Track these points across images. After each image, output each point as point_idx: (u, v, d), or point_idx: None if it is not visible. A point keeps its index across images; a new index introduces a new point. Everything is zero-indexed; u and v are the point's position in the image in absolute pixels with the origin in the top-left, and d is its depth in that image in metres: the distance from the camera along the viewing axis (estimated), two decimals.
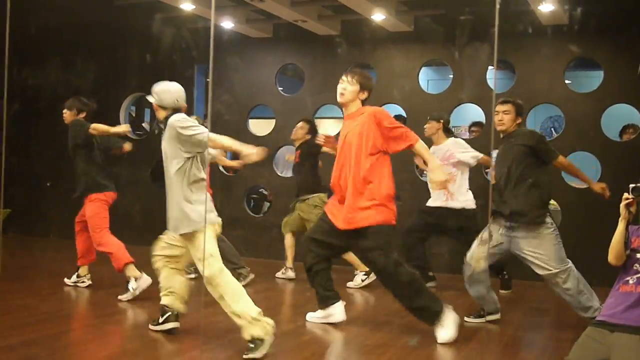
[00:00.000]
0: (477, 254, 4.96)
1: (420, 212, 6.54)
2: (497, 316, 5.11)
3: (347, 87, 4.75)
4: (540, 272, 4.76)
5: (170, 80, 4.53)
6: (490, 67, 7.50)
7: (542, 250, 4.72)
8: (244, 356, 3.90)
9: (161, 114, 4.40)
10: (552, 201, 5.88)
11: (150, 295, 5.56)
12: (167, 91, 4.42)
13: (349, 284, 6.55)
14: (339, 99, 4.81)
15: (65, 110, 5.98)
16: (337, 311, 4.91)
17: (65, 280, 6.02)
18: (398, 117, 8.06)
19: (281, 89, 8.57)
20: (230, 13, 7.72)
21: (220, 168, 8.55)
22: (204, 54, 8.45)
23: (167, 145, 4.26)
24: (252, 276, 6.44)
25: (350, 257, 6.47)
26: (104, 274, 6.14)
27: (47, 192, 9.34)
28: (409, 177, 7.58)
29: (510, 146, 4.93)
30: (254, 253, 8.06)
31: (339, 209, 4.70)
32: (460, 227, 6.17)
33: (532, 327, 5.38)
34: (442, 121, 6.44)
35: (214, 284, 4.04)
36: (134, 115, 10.84)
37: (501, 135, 5.03)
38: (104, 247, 5.73)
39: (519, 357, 4.43)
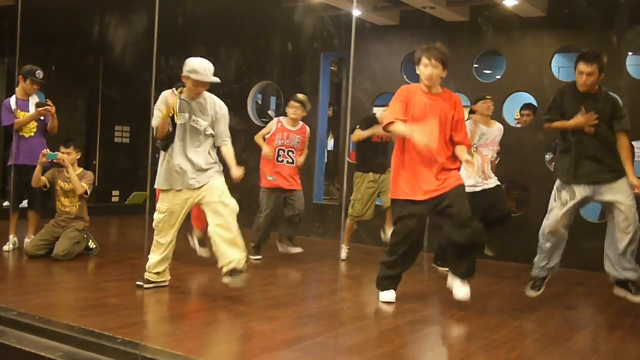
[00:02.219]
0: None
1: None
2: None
3: (431, 70, 4.82)
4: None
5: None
6: (630, 54, 7.10)
7: None
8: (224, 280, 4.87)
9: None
10: None
11: (274, 281, 5.70)
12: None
13: None
14: (427, 83, 4.89)
15: None
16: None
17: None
18: (528, 106, 7.81)
19: (406, 77, 8.49)
20: (358, 1, 7.72)
21: (347, 157, 8.61)
22: (330, 43, 8.53)
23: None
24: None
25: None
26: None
27: None
28: None
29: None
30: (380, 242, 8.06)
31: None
32: (492, 204, 6.27)
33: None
34: None
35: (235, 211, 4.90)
36: (260, 103, 11.11)
37: None
38: None
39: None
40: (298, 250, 6.95)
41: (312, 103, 8.80)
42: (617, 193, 4.81)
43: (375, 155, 6.91)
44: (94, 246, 6.62)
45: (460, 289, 4.89)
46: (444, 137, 4.87)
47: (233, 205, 4.89)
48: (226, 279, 4.86)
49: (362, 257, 7.42)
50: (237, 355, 3.76)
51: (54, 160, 6.34)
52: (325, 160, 10.16)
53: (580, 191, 4.90)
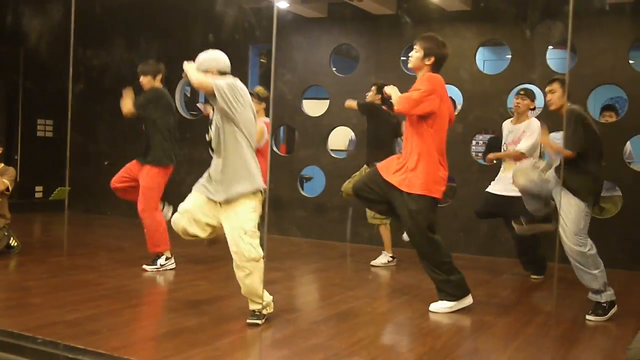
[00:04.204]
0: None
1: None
2: None
3: (412, 53, 4.86)
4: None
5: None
6: (550, 47, 7.32)
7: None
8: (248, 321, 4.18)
9: None
10: None
11: (203, 276, 5.67)
12: None
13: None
14: (408, 65, 4.98)
15: (141, 77, 6.00)
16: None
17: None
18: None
19: (335, 69, 8.53)
20: None
21: (274, 149, 8.60)
22: (256, 35, 8.48)
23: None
24: None
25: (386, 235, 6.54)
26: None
27: (106, 171, 9.54)
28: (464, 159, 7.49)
29: None
30: (307, 234, 8.11)
31: None
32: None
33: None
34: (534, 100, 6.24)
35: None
36: (188, 95, 10.95)
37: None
38: (148, 222, 5.86)
39: (579, 343, 4.37)
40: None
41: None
42: None
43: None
44: (15, 244, 6.40)
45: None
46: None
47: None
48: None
49: (290, 249, 7.44)
50: (163, 352, 3.71)
51: None
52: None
53: None
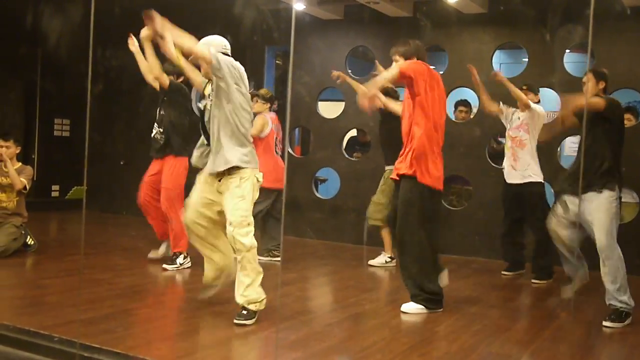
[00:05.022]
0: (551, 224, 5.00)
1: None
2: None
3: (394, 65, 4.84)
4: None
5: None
6: (567, 51, 7.27)
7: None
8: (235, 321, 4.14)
9: None
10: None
11: None
12: None
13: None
14: None
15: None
16: None
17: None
18: (464, 102, 7.90)
19: (351, 71, 8.52)
20: None
21: (289, 150, 8.61)
22: (273, 36, 8.49)
23: None
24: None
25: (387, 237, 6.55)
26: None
27: (122, 170, 9.61)
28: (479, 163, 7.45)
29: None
30: (322, 235, 8.10)
31: None
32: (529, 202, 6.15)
33: None
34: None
35: None
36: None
37: None
38: (175, 221, 5.88)
39: (595, 349, 4.33)
40: None
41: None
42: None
43: None
44: (32, 242, 6.45)
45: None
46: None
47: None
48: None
49: (305, 251, 7.45)
50: (178, 352, 3.72)
51: None
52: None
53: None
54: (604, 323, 4.60)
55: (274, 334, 4.05)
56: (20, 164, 6.43)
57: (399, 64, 4.76)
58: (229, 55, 4.47)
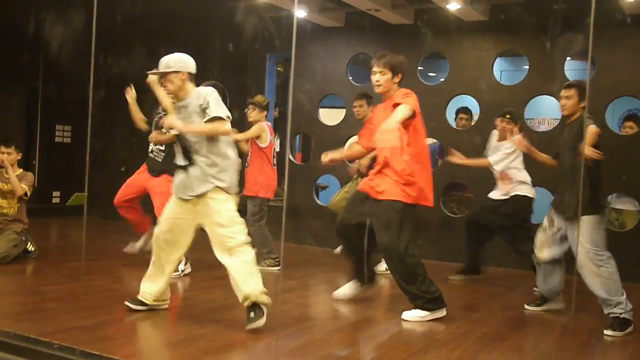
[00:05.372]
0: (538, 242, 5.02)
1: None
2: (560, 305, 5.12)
3: (379, 78, 4.76)
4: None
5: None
6: (568, 58, 7.28)
7: None
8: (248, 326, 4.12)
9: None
10: None
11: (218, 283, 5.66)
12: None
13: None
14: (376, 90, 4.85)
15: None
16: None
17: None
18: (464, 109, 7.90)
19: (352, 78, 8.54)
20: (303, 2, 7.72)
21: (290, 157, 8.62)
22: (275, 43, 8.51)
23: None
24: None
25: None
26: None
27: (123, 177, 9.59)
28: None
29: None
30: (323, 243, 8.09)
31: None
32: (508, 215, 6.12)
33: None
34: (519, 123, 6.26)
35: None
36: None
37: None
38: None
39: (595, 357, 4.32)
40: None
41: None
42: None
43: None
44: (33, 249, 6.45)
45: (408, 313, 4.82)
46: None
47: None
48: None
49: (305, 258, 7.44)
50: (178, 359, 3.71)
51: None
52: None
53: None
54: (605, 332, 4.60)
55: (274, 341, 4.05)
56: (21, 170, 6.43)
57: (408, 106, 4.55)
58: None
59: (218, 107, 4.25)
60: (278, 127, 10.89)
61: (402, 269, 4.68)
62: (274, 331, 4.23)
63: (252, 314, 4.18)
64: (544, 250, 4.99)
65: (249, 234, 4.36)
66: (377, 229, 4.69)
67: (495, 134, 6.36)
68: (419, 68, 8.12)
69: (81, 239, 7.17)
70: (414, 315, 4.73)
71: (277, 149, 11.42)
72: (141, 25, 9.10)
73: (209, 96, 4.28)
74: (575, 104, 4.86)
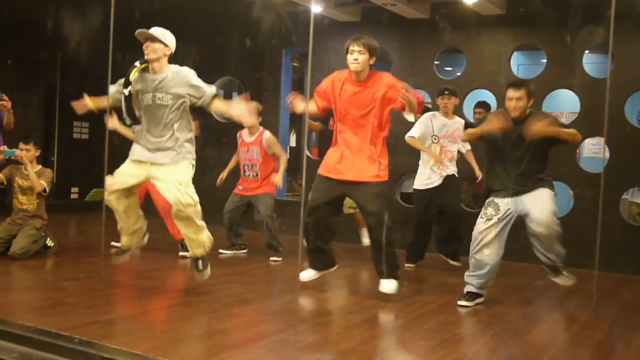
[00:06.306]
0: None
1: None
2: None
3: (358, 57, 4.95)
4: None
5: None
6: (586, 52, 7.22)
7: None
8: None
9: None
10: None
11: (237, 278, 5.69)
12: None
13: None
14: (352, 68, 5.02)
15: None
16: None
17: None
18: (482, 103, 7.86)
19: None
20: None
21: (307, 152, 8.62)
22: (291, 39, 8.51)
23: None
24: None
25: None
26: None
27: None
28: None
29: None
30: (340, 237, 8.07)
31: None
32: (444, 202, 6.47)
33: (628, 323, 5.19)
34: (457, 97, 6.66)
35: None
36: (221, 98, 11.03)
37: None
38: None
39: (615, 354, 4.29)
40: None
41: (274, 99, 8.79)
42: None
43: None
44: (52, 244, 6.51)
45: (385, 284, 5.07)
46: (372, 125, 5.00)
47: None
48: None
49: None
50: (196, 354, 3.74)
51: (12, 157, 6.22)
52: (288, 157, 10.14)
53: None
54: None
55: (292, 336, 4.06)
56: (40, 166, 6.48)
57: (412, 94, 4.82)
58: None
59: (206, 85, 4.88)
60: (294, 122, 10.91)
61: (386, 232, 4.96)
62: (292, 325, 4.24)
63: (200, 262, 4.92)
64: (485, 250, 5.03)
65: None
66: (366, 200, 5.01)
67: (438, 117, 6.58)
68: (436, 62, 8.08)
69: (100, 235, 7.23)
70: (395, 287, 5.04)
71: (294, 145, 11.51)
72: (158, 21, 9.04)
73: (194, 76, 4.88)
74: (526, 105, 4.86)
